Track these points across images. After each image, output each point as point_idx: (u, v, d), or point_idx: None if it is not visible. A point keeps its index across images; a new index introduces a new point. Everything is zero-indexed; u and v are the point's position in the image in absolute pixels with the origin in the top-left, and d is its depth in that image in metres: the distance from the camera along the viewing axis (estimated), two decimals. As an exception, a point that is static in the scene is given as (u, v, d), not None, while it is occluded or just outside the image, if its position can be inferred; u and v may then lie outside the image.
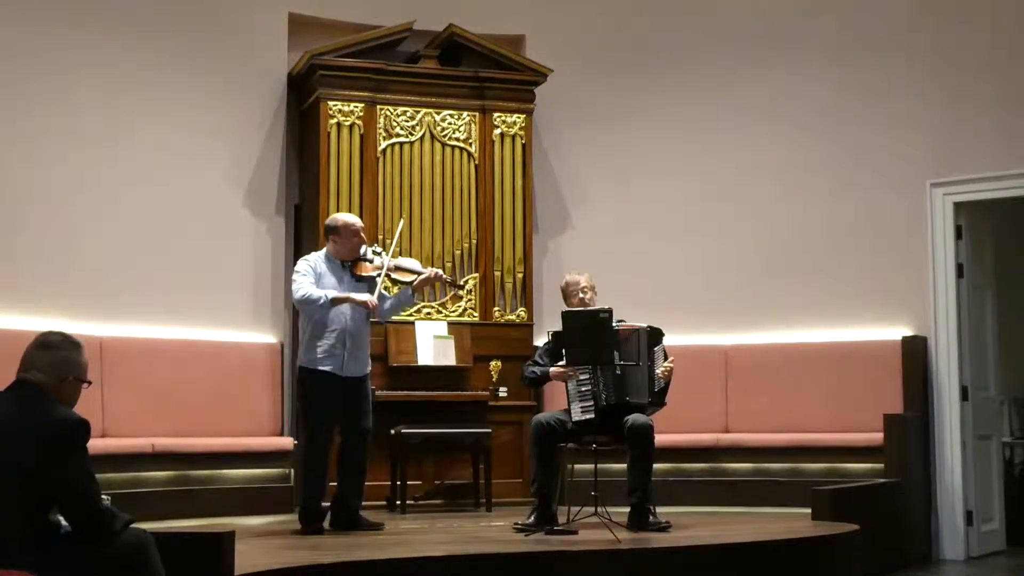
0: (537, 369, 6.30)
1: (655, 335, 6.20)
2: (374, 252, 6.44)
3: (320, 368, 6.14)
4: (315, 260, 6.29)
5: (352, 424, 6.22)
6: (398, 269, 6.43)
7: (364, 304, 6.15)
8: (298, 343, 6.42)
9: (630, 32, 8.51)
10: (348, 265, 6.30)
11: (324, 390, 6.14)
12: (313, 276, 6.19)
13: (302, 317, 6.28)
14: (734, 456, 7.69)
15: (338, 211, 7.45)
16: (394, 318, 7.65)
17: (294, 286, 6.18)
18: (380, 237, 7.55)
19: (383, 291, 6.43)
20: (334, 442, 6.27)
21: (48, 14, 7.22)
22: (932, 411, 7.55)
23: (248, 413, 7.58)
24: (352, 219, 6.43)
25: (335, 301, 6.11)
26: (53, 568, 3.34)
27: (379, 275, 6.30)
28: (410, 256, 7.25)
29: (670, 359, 6.21)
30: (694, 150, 8.37)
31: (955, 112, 7.64)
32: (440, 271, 6.59)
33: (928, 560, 7.34)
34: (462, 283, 7.67)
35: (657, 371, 6.15)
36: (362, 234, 6.36)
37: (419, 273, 6.43)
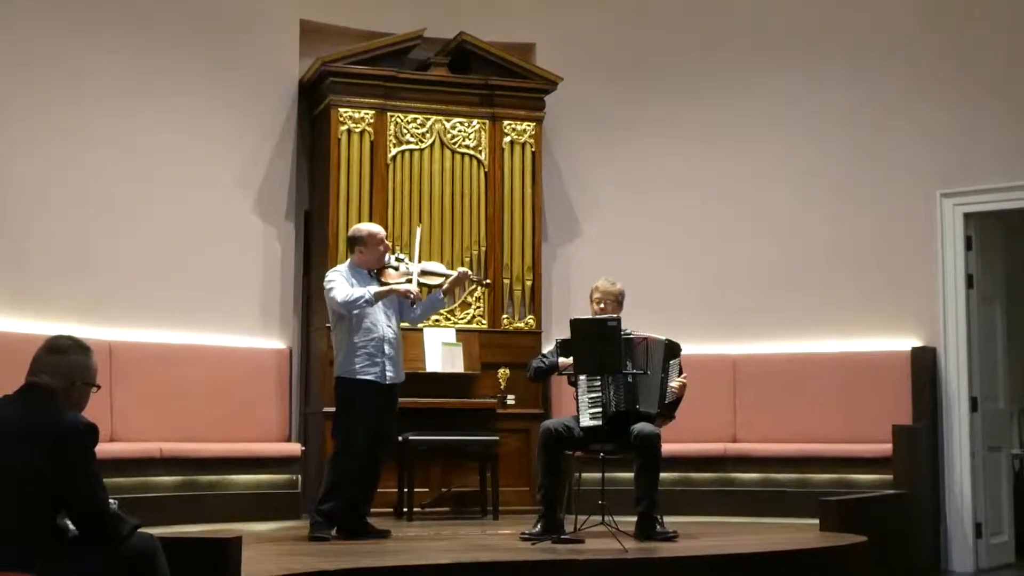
0: (545, 361, 6.30)
1: (672, 349, 6.20)
2: (397, 259, 6.44)
3: (361, 378, 6.12)
4: (344, 270, 6.29)
5: (381, 434, 6.21)
6: (424, 274, 6.41)
7: (407, 293, 6.17)
8: (334, 353, 6.36)
9: (640, 40, 8.52)
10: (374, 274, 6.30)
11: (365, 400, 6.12)
12: (347, 284, 6.19)
13: (338, 327, 6.24)
14: (742, 466, 7.68)
15: (347, 218, 7.51)
16: (402, 325, 7.68)
17: (333, 293, 6.13)
18: (390, 244, 7.54)
19: None
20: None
21: (61, 19, 7.24)
22: (941, 422, 7.53)
23: (256, 419, 7.59)
24: (376, 228, 6.44)
25: (379, 295, 6.13)
26: (60, 572, 3.34)
27: (408, 280, 6.28)
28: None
29: (684, 375, 6.21)
30: (703, 158, 8.37)
31: (965, 122, 7.63)
32: (467, 270, 6.61)
33: (937, 572, 7.31)
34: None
35: (672, 384, 6.15)
36: (387, 242, 6.38)
37: (446, 276, 6.42)
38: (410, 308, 6.36)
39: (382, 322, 6.20)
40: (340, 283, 6.16)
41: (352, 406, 6.15)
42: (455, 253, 7.93)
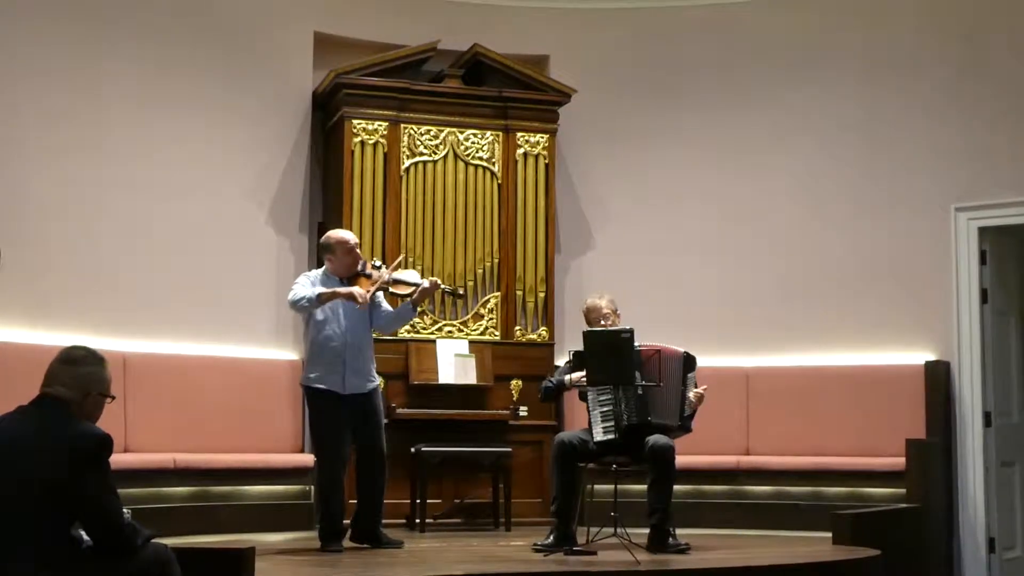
0: (553, 380, 6.31)
1: (690, 362, 6.21)
2: (373, 266, 6.40)
3: (320, 387, 6.12)
4: (315, 276, 6.29)
5: (364, 441, 6.19)
6: (396, 283, 6.38)
7: (350, 296, 6.06)
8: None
9: (654, 53, 8.52)
10: (346, 282, 6.25)
11: (329, 408, 6.11)
12: (310, 287, 6.17)
13: (304, 335, 6.28)
14: (755, 479, 7.66)
15: (361, 229, 7.51)
16: (415, 336, 7.71)
17: (289, 294, 6.18)
18: (403, 255, 7.55)
19: (387, 305, 6.41)
20: (348, 458, 6.24)
21: (75, 31, 7.27)
22: (955, 437, 7.51)
23: (269, 430, 7.59)
24: (345, 235, 6.39)
25: (321, 297, 6.05)
26: (74, 582, 3.36)
27: (377, 288, 6.25)
28: (433, 275, 7.26)
29: (703, 387, 6.22)
30: (717, 171, 8.37)
31: (980, 136, 7.63)
32: (438, 280, 6.53)
33: (950, 587, 7.30)
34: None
35: (690, 395, 6.16)
36: (357, 250, 6.31)
37: (417, 285, 6.36)
38: (379, 315, 6.31)
39: (345, 330, 6.15)
40: (300, 285, 6.16)
41: (319, 415, 6.16)
42: (468, 265, 7.94)
